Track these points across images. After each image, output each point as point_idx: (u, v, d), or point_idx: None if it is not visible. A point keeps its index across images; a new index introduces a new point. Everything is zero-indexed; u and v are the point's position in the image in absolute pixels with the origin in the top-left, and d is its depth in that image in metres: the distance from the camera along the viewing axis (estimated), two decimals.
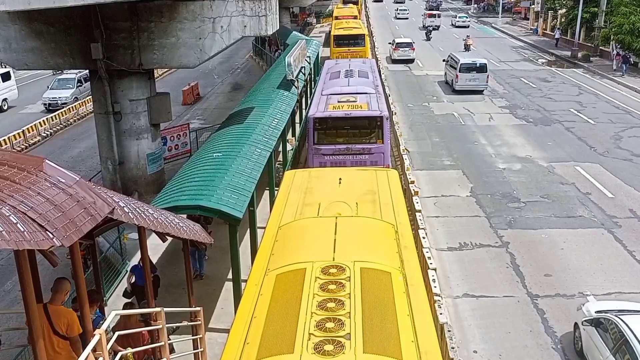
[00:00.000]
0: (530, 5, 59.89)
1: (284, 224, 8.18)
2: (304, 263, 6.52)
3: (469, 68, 29.83)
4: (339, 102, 16.54)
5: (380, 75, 25.28)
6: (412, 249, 7.66)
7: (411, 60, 39.47)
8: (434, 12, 61.61)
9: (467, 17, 61.57)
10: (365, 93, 17.53)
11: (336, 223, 7.65)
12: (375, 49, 43.12)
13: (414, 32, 53.67)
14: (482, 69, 29.80)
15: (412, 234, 8.28)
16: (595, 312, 10.22)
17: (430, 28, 53.21)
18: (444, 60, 33.81)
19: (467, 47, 41.56)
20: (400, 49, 39.03)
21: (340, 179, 9.75)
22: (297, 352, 5.05)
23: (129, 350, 7.13)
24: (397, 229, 8.02)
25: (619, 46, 34.42)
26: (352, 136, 15.83)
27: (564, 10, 47.83)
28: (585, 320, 10.20)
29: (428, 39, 49.82)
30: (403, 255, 7.21)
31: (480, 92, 30.25)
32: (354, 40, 35.11)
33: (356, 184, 9.61)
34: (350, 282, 6.06)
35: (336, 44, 35.37)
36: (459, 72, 29.79)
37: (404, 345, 5.32)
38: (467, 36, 44.93)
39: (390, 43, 41.79)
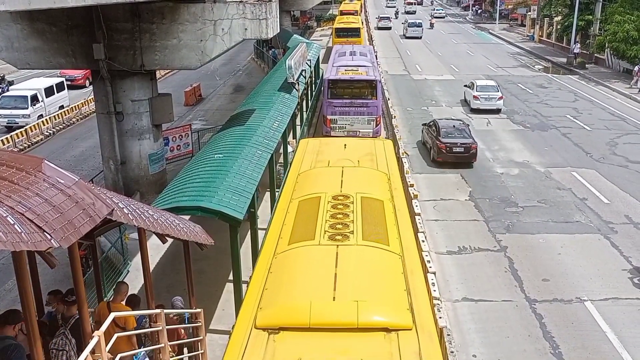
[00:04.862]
0: (527, 12, 60.20)
1: (302, 172, 10.41)
2: (319, 193, 8.74)
3: (413, 25, 56.04)
4: (345, 70, 22.34)
5: (376, 58, 30.07)
6: (400, 191, 9.86)
7: (389, 28, 61.96)
8: (412, 0, 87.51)
9: (442, 10, 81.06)
10: (365, 66, 23.21)
11: (342, 171, 9.88)
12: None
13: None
14: (420, 25, 56.19)
15: (401, 182, 10.52)
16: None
17: (398, 10, 77.78)
18: (402, 23, 59.23)
19: (431, 25, 63.83)
20: (382, 20, 63.48)
21: (345, 145, 11.99)
22: (317, 239, 7.31)
23: (128, 353, 7.13)
24: (390, 177, 10.25)
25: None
26: (355, 94, 21.41)
27: (559, 17, 47.95)
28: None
29: (396, 17, 71.87)
30: (393, 193, 9.46)
31: (419, 37, 54.57)
32: (352, 32, 42.49)
33: (358, 148, 11.81)
34: (353, 204, 8.27)
35: (337, 35, 42.66)
36: (408, 27, 56.25)
37: (390, 239, 7.55)
38: (432, 17, 69.30)
39: (376, 18, 66.09)
